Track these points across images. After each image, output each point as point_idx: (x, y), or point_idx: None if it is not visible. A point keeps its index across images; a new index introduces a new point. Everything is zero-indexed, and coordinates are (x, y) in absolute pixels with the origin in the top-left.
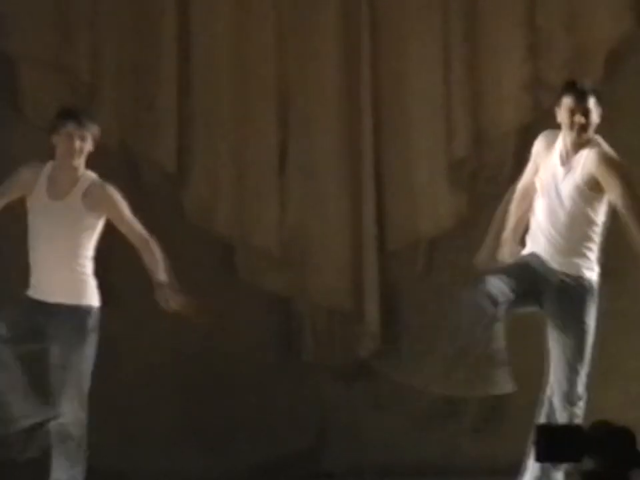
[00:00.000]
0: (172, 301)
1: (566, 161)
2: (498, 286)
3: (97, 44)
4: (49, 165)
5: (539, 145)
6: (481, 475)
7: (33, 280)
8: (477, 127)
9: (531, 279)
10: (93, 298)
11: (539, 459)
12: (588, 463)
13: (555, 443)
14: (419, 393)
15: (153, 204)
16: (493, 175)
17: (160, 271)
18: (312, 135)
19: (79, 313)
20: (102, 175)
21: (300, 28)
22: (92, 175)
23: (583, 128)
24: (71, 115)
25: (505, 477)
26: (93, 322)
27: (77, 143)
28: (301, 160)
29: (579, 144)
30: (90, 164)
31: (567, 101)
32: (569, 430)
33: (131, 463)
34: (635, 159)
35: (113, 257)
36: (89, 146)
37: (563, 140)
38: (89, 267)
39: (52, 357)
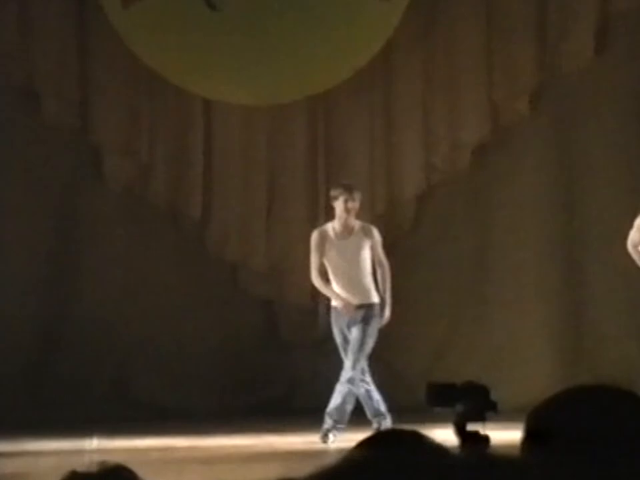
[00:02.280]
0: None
1: None
2: None
3: (152, 139)
4: (330, 224)
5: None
6: None
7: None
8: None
9: None
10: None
11: (428, 404)
12: (459, 407)
13: (437, 394)
14: None
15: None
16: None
17: (387, 290)
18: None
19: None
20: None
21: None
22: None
23: None
24: (346, 188)
25: None
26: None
27: (350, 204)
28: (282, 211)
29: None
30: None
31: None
32: (447, 386)
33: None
34: None
35: None
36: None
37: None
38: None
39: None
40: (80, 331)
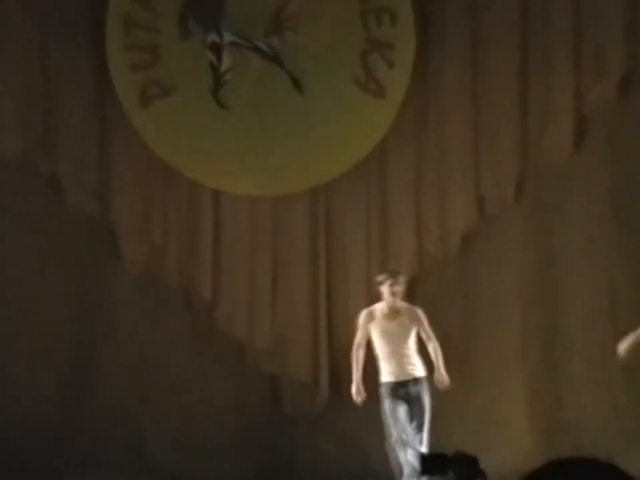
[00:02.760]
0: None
1: None
2: None
3: (166, 222)
4: (378, 305)
5: None
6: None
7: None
8: None
9: None
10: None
11: (423, 472)
12: (451, 476)
13: (431, 464)
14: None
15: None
16: None
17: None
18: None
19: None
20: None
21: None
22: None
23: None
24: (392, 273)
25: None
26: None
27: (395, 288)
28: (285, 293)
29: None
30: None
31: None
32: (439, 456)
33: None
34: None
35: None
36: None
37: None
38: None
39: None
40: (97, 402)
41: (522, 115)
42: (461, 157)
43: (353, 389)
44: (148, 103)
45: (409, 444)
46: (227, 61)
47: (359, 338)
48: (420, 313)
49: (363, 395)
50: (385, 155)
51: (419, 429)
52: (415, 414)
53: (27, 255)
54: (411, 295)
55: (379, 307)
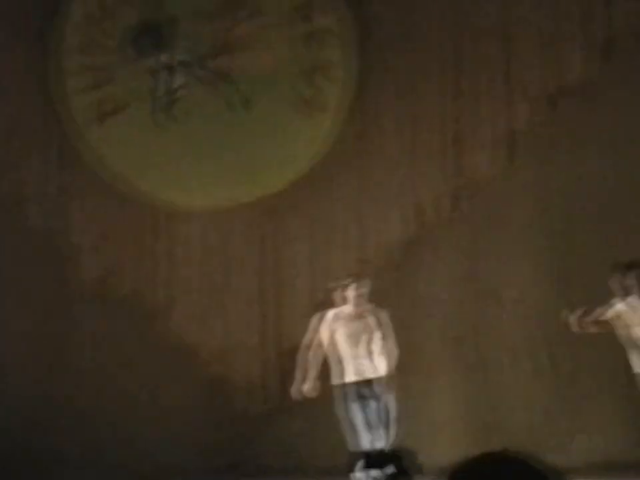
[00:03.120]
0: None
1: None
2: None
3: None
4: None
5: None
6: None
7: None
8: None
9: None
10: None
11: (366, 467)
12: (389, 469)
13: (371, 459)
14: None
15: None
16: None
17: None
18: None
19: None
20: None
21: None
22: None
23: None
24: (356, 277)
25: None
26: None
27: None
28: (233, 299)
29: None
30: None
31: None
32: (379, 453)
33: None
34: None
35: None
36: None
37: None
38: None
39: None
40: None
41: (455, 133)
42: (400, 172)
43: (307, 386)
44: (99, 121)
45: (362, 443)
46: (178, 79)
47: (309, 339)
48: (384, 314)
49: (317, 390)
50: (328, 169)
51: (385, 426)
52: (381, 412)
53: None
54: None
55: (343, 310)
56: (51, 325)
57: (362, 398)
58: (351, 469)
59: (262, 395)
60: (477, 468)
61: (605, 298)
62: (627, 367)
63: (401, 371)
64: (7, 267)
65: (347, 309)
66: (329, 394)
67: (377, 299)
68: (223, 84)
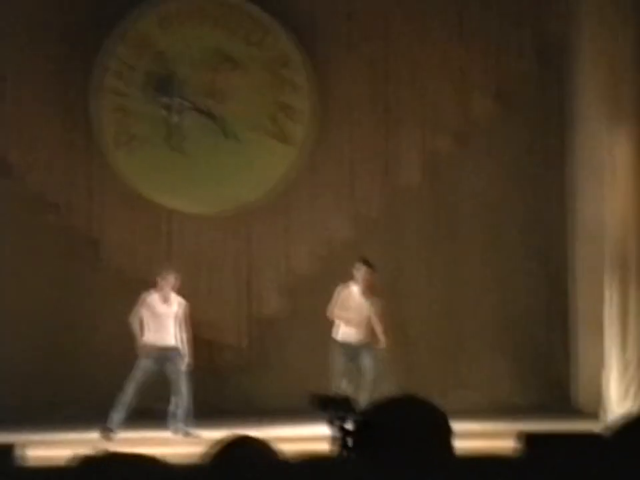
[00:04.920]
0: None
1: None
2: None
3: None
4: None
5: None
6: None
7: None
8: None
9: None
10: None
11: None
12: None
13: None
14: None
15: None
16: None
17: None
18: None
19: None
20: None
21: None
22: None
23: None
24: (367, 264)
25: None
26: None
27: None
28: (218, 283)
29: None
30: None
31: None
32: (323, 396)
33: None
34: None
35: None
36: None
37: None
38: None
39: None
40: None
41: (384, 158)
42: (343, 185)
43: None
44: (120, 146)
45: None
46: (177, 117)
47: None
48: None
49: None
50: (290, 186)
51: (365, 381)
52: (362, 369)
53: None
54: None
55: (355, 285)
56: (79, 308)
57: (347, 356)
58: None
59: (238, 353)
60: (384, 411)
61: None
62: None
63: None
64: (46, 262)
65: (357, 285)
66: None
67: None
68: (213, 119)
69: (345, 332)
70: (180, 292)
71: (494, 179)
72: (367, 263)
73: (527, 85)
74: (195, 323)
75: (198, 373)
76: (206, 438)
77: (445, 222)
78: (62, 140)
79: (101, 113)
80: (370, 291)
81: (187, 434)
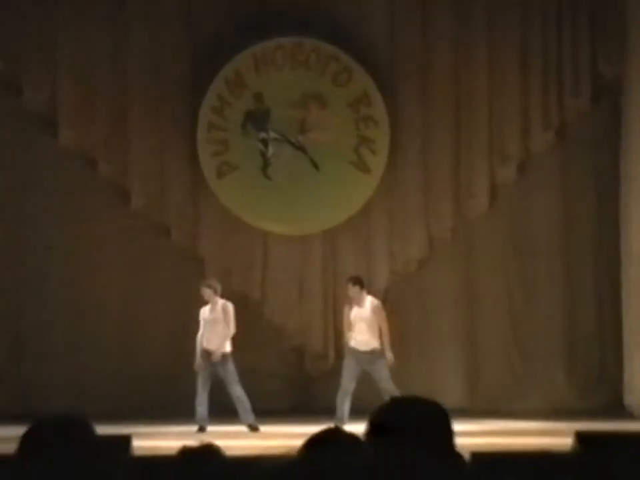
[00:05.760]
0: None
1: None
2: None
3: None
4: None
5: None
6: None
7: None
8: None
9: None
10: None
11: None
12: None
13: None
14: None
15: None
16: None
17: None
18: (312, 288)
19: None
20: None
21: None
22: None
23: None
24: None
25: None
26: None
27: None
28: (307, 296)
29: None
30: None
31: None
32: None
33: None
34: None
35: None
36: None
37: None
38: None
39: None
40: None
41: (455, 183)
42: (417, 210)
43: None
44: (221, 176)
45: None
46: (271, 150)
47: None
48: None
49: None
50: (370, 210)
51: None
52: (372, 376)
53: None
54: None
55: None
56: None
57: (355, 361)
58: None
59: (325, 360)
60: (393, 408)
61: None
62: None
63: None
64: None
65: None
66: None
67: (400, 300)
68: (300, 152)
69: (357, 341)
70: (271, 303)
71: (558, 200)
72: (351, 280)
73: (583, 119)
74: (285, 332)
75: (287, 377)
76: (293, 433)
77: (510, 244)
78: (173, 172)
79: (206, 146)
80: (359, 305)
81: (253, 428)
